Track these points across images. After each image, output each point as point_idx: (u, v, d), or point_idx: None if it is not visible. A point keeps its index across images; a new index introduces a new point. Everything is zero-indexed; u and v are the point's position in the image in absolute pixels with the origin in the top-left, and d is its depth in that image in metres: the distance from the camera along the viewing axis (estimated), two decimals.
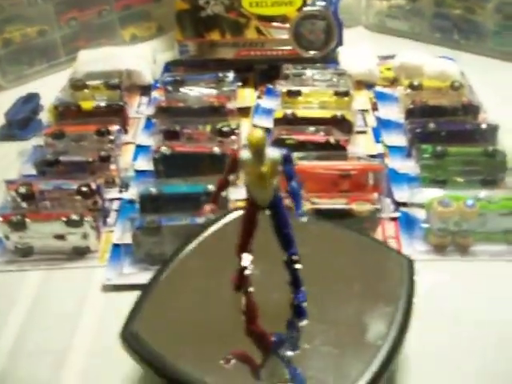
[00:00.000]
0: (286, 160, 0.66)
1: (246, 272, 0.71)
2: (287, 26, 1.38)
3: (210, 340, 0.73)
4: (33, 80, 1.54)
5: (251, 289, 0.72)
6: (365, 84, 1.41)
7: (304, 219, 0.69)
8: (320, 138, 1.12)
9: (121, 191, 1.12)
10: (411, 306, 0.76)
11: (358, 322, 0.74)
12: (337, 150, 1.11)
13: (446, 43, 1.61)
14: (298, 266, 0.72)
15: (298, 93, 1.24)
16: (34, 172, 1.15)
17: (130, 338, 0.74)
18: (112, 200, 1.10)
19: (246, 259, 0.71)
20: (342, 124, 1.17)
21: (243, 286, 0.72)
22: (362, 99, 1.35)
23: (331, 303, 0.77)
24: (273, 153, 0.65)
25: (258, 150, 0.63)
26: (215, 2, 1.35)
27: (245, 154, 0.65)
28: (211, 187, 0.98)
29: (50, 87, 1.44)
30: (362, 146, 1.20)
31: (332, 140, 1.11)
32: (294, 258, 0.71)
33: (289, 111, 1.19)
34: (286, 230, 0.69)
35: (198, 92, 1.28)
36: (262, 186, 0.66)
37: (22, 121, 1.32)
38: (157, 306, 0.78)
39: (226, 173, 0.72)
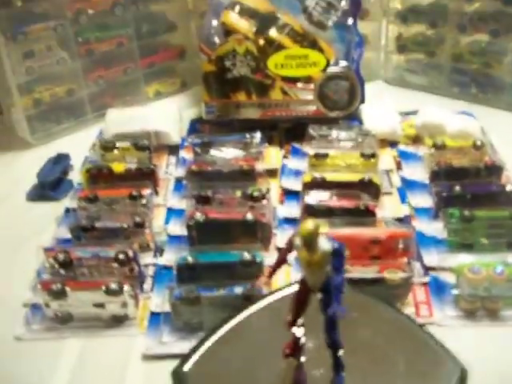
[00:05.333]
0: (336, 253, 0.68)
1: (301, 341, 0.73)
2: (311, 86, 1.41)
3: None
4: (60, 137, 1.58)
5: (303, 359, 0.74)
6: (388, 142, 1.43)
7: (340, 315, 0.70)
8: (349, 203, 1.14)
9: (155, 256, 1.14)
10: None
11: None
12: (366, 214, 1.13)
13: (465, 97, 1.64)
14: (340, 352, 0.73)
15: (326, 155, 1.27)
16: (68, 235, 1.17)
17: None
18: (147, 265, 1.12)
19: (300, 330, 0.73)
20: (370, 187, 1.19)
21: (295, 355, 0.74)
22: (386, 158, 1.37)
23: None
24: (325, 245, 0.67)
25: (308, 241, 0.66)
26: (241, 63, 1.38)
27: (297, 241, 0.67)
28: (247, 255, 1.01)
29: (77, 145, 1.49)
30: (388, 207, 1.22)
31: (361, 205, 1.13)
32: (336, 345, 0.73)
33: (318, 175, 1.21)
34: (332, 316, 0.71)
35: (226, 154, 1.30)
36: (313, 272, 0.69)
37: (54, 182, 1.35)
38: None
39: (284, 253, 0.73)
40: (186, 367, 0.80)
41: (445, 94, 1.67)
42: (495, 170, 1.26)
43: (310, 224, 0.65)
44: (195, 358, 0.82)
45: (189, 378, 0.79)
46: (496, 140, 1.39)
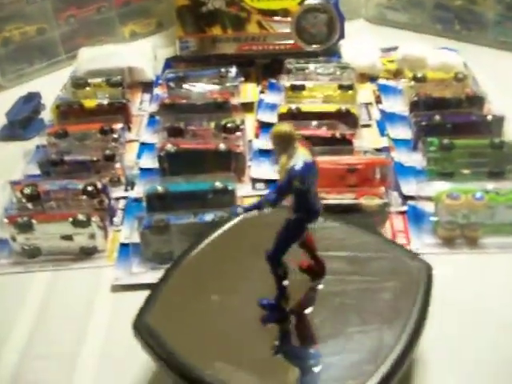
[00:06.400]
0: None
1: None
2: (289, 19, 1.37)
3: (222, 339, 0.73)
4: (33, 79, 1.53)
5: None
6: (368, 77, 1.40)
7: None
8: (326, 132, 1.12)
9: (126, 190, 1.11)
10: (426, 310, 0.76)
11: (374, 323, 0.74)
12: (343, 144, 1.10)
13: (448, 34, 1.60)
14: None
15: (302, 87, 1.24)
16: (38, 172, 1.14)
17: (143, 330, 0.74)
18: (118, 199, 1.09)
19: None
20: (347, 118, 1.16)
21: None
22: (365, 92, 1.34)
23: (347, 302, 0.76)
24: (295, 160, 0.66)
25: (280, 143, 0.67)
26: None
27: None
28: (218, 184, 0.98)
29: (50, 86, 1.44)
30: (367, 139, 1.19)
31: (338, 134, 1.10)
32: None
33: (293, 106, 1.18)
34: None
35: (200, 88, 1.27)
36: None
37: (24, 120, 1.31)
38: (169, 301, 0.78)
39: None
40: (148, 318, 0.77)
41: (427, 32, 1.63)
42: (476, 100, 1.23)
43: (283, 126, 0.64)
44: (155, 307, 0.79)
45: (151, 329, 0.75)
46: (479, 75, 1.36)
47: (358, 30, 1.61)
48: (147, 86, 1.42)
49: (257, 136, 1.23)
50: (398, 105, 1.30)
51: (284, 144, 0.65)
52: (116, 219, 1.06)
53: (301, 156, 0.66)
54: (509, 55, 1.51)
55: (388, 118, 1.27)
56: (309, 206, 0.69)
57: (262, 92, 1.37)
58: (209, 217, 0.93)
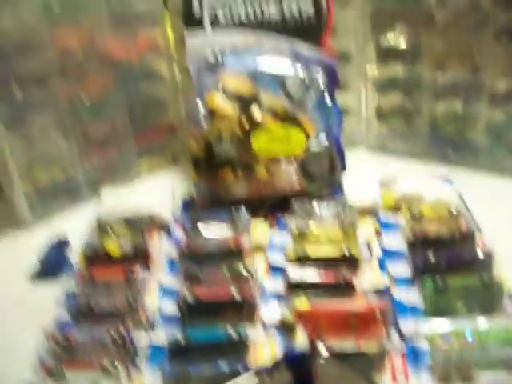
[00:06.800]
0: None
1: None
2: (294, 165, 1.50)
3: None
4: (58, 215, 1.66)
5: None
6: (368, 211, 1.48)
7: None
8: (329, 278, 1.22)
9: (148, 334, 1.20)
10: None
11: None
12: (345, 287, 1.20)
13: (443, 161, 1.72)
14: None
15: (307, 229, 1.35)
16: (68, 318, 1.24)
17: None
18: (140, 343, 1.18)
19: None
20: (350, 261, 1.26)
21: None
22: (366, 228, 1.43)
23: None
24: None
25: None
26: (228, 147, 1.47)
27: None
28: (232, 332, 1.09)
29: (75, 222, 1.57)
30: (368, 277, 1.27)
31: (341, 280, 1.20)
32: None
33: (300, 252, 1.29)
34: None
35: (214, 233, 1.38)
36: None
37: (54, 264, 1.43)
38: None
39: None
40: None
41: (425, 159, 1.74)
42: (469, 236, 1.32)
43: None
44: None
45: None
46: (472, 203, 1.45)
47: (359, 159, 1.72)
48: (165, 225, 1.51)
49: (268, 274, 1.32)
50: (397, 241, 1.38)
51: (287, 330, 0.75)
52: (139, 363, 1.15)
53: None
54: (500, 179, 1.63)
55: (388, 254, 1.35)
56: None
57: (270, 227, 1.46)
58: (224, 365, 1.03)
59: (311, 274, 1.23)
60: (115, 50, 1.66)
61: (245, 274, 1.24)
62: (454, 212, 1.39)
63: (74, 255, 1.44)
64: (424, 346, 1.11)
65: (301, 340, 0.74)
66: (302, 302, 1.14)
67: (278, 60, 1.53)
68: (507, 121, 1.62)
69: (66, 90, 1.61)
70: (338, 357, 1.04)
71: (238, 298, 1.18)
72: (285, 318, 0.74)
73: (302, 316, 1.10)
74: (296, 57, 1.52)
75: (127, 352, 1.14)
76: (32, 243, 1.49)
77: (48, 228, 1.56)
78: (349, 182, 1.56)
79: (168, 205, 1.56)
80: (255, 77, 1.52)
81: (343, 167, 1.54)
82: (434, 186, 1.51)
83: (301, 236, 1.34)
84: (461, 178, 1.58)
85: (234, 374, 1.02)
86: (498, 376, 1.07)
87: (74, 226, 1.54)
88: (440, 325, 1.12)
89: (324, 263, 1.26)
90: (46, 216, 1.65)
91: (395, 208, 1.49)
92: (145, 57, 1.72)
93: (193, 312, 1.18)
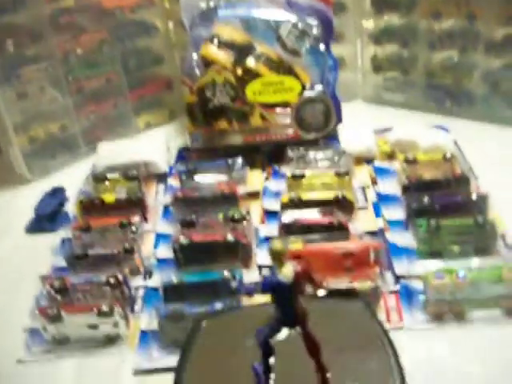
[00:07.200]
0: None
1: None
2: (289, 111, 1.49)
3: None
4: (56, 171, 1.66)
5: None
6: (364, 159, 1.50)
7: None
8: (324, 220, 1.23)
9: (145, 278, 1.22)
10: None
11: None
12: (340, 230, 1.21)
13: (440, 111, 1.71)
14: None
15: (302, 176, 1.35)
16: (64, 264, 1.25)
17: None
18: (137, 288, 1.20)
19: None
20: (344, 204, 1.27)
21: None
22: (362, 175, 1.44)
23: None
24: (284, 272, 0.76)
25: (275, 258, 0.76)
26: (221, 93, 1.47)
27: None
28: (226, 274, 1.09)
29: (72, 177, 1.57)
30: (363, 221, 1.29)
31: (335, 221, 1.21)
32: None
33: (294, 195, 1.29)
34: None
35: (209, 180, 1.39)
36: None
37: (51, 214, 1.43)
38: None
39: None
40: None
41: (421, 110, 1.74)
42: (464, 180, 1.32)
43: (275, 243, 0.75)
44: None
45: None
46: (469, 151, 1.46)
47: (355, 111, 1.72)
48: (161, 176, 1.53)
49: (263, 222, 1.33)
50: (392, 187, 1.39)
51: (275, 260, 0.76)
52: (136, 307, 1.16)
53: (282, 272, 0.77)
54: (496, 128, 1.62)
55: (383, 199, 1.36)
56: None
57: (266, 178, 1.47)
58: (219, 306, 1.04)
59: (306, 217, 1.23)
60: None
61: (240, 218, 1.23)
62: (449, 157, 1.38)
63: (71, 205, 1.45)
64: (417, 285, 1.12)
65: (286, 272, 0.74)
66: (296, 243, 1.14)
67: (272, 9, 1.52)
68: (503, 69, 1.61)
69: (59, 43, 1.60)
70: (333, 295, 1.04)
71: (232, 240, 1.18)
72: (275, 247, 0.74)
73: (295, 256, 1.10)
74: (290, 5, 1.52)
75: (123, 295, 1.14)
76: (31, 198, 1.49)
77: (46, 184, 1.56)
78: (345, 132, 1.56)
79: (164, 156, 1.56)
80: (249, 26, 1.52)
81: (339, 119, 1.54)
82: (429, 133, 1.51)
83: (296, 183, 1.35)
84: (457, 126, 1.58)
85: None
86: (490, 313, 1.08)
87: (72, 181, 1.54)
88: (433, 264, 1.12)
89: (318, 206, 1.26)
90: (44, 172, 1.65)
91: (390, 155, 1.50)
92: (137, 8, 1.72)
93: (188, 255, 1.19)
